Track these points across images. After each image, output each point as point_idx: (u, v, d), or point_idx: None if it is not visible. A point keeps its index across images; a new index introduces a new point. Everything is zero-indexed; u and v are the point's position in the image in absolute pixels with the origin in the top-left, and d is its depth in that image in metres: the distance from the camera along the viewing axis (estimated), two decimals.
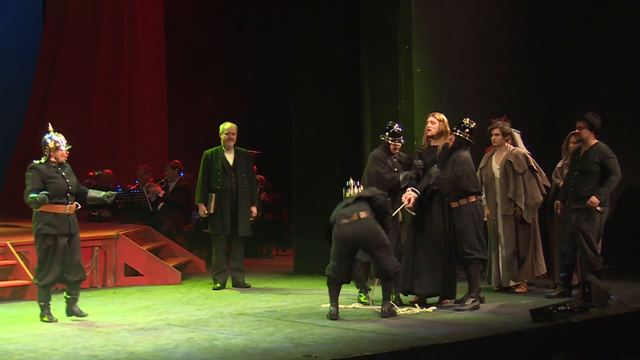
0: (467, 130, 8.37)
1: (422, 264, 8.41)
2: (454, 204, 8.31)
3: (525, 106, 10.85)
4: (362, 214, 7.93)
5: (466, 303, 8.23)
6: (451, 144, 8.39)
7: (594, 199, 8.52)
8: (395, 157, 8.80)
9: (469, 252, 8.24)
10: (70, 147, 8.24)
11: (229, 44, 13.72)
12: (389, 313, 7.92)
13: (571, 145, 9.17)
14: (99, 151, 14.75)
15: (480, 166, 9.28)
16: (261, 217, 12.36)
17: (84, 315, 8.19)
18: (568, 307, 7.70)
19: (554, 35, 11.31)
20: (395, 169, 8.74)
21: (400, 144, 8.78)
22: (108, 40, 14.91)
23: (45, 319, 8.08)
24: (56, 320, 8.08)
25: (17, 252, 9.51)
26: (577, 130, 8.79)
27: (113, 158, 14.68)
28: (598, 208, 8.57)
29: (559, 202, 9.02)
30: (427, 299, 8.52)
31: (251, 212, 10.10)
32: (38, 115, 14.69)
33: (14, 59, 15.16)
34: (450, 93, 10.42)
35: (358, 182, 8.42)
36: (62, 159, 8.19)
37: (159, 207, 12.61)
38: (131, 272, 10.55)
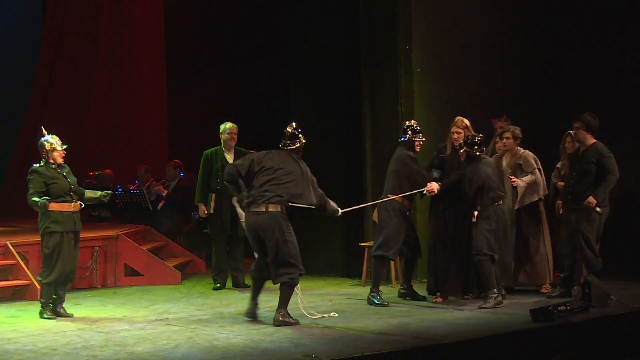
0: (476, 147, 8.57)
1: (443, 263, 8.71)
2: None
3: (524, 106, 10.85)
4: (271, 207, 7.74)
5: (488, 301, 8.31)
6: (463, 158, 8.65)
7: (590, 198, 8.51)
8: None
9: (475, 252, 8.39)
10: (66, 146, 8.34)
11: (229, 42, 13.70)
12: (281, 322, 7.66)
13: (567, 145, 9.18)
14: (99, 151, 14.76)
15: None
16: None
17: (69, 316, 8.26)
18: (568, 307, 7.70)
19: (555, 35, 11.31)
20: None
21: (423, 140, 8.83)
22: (108, 39, 14.92)
23: (45, 315, 8.18)
24: (55, 318, 8.15)
25: (17, 252, 9.51)
26: (573, 131, 8.79)
27: (113, 158, 14.68)
28: (597, 209, 8.56)
29: (559, 202, 9.02)
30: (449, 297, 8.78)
31: None
32: (38, 114, 14.70)
33: (14, 59, 15.16)
34: (450, 93, 10.42)
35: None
36: (60, 160, 8.32)
37: (159, 207, 12.62)
38: (131, 272, 10.55)
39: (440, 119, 9.96)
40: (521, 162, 9.15)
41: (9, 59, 15.03)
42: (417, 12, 10.27)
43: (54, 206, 8.14)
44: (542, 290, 9.14)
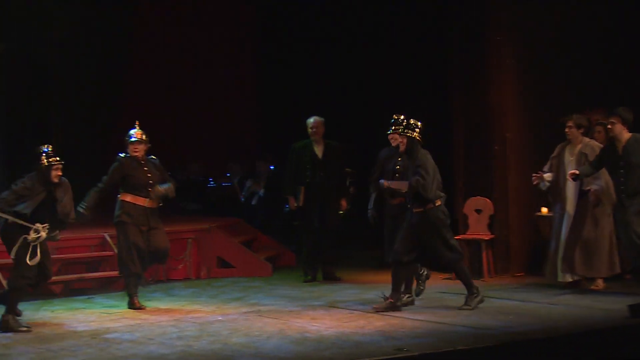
0: (418, 130, 8.11)
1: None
2: (418, 209, 8.01)
3: (616, 100, 10.55)
4: None
5: (470, 304, 8.01)
6: (403, 147, 8.11)
7: None
8: None
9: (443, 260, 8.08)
10: (143, 141, 8.46)
11: (322, 37, 13.63)
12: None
13: (595, 135, 8.95)
14: (191, 145, 14.95)
15: (552, 155, 9.18)
16: (351, 210, 12.35)
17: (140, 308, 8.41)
18: None
19: None
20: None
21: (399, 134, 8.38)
22: (196, 33, 14.97)
23: (134, 306, 8.39)
24: (144, 308, 8.35)
25: (114, 244, 9.75)
26: (609, 125, 8.57)
27: (205, 152, 14.86)
28: None
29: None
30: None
31: (341, 204, 10.12)
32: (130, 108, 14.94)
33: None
34: (539, 86, 10.21)
35: None
36: (134, 153, 8.49)
37: (253, 201, 12.76)
38: (223, 264, 10.70)
39: (532, 110, 9.80)
40: (587, 152, 8.94)
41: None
42: (509, 1, 10.11)
43: (128, 198, 8.32)
44: (592, 287, 8.93)
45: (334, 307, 8.31)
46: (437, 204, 7.98)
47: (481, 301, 8.06)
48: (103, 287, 9.63)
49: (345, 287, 9.54)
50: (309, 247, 10.09)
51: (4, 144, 12.28)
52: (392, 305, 7.98)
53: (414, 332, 7.05)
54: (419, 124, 8.11)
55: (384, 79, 11.29)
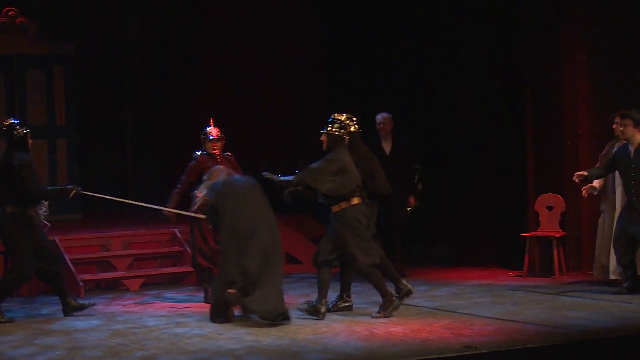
0: (337, 124, 7.78)
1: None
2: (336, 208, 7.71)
3: None
4: None
5: (384, 311, 7.64)
6: (325, 145, 7.78)
7: None
8: None
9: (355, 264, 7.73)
10: (221, 138, 8.57)
11: (392, 33, 13.50)
12: None
13: (614, 126, 8.75)
14: (260, 142, 15.01)
15: (601, 153, 9.07)
16: (418, 207, 12.28)
17: None
18: None
19: None
20: None
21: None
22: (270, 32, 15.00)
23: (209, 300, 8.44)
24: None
25: (184, 240, 9.88)
26: (621, 128, 8.52)
27: (273, 149, 14.91)
28: None
29: None
30: None
31: (409, 201, 10.08)
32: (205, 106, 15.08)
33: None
34: (613, 81, 10.00)
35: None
36: (212, 151, 8.66)
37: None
38: (291, 260, 10.74)
39: (604, 106, 9.62)
40: None
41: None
42: None
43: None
44: None
45: (402, 303, 8.26)
46: (353, 203, 7.65)
47: (397, 307, 7.65)
48: (174, 282, 9.77)
49: (413, 284, 9.43)
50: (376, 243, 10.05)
51: (77, 143, 12.54)
52: (315, 310, 7.61)
53: (483, 330, 6.98)
54: (343, 119, 7.75)
55: (454, 76, 11.19)
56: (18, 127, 7.90)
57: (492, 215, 10.66)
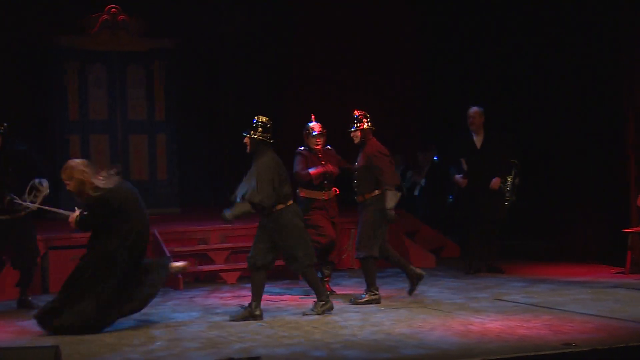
0: (261, 129, 7.64)
1: None
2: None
3: None
4: None
5: (316, 309, 7.62)
6: (249, 148, 7.69)
7: None
8: None
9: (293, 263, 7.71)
10: (323, 134, 8.61)
11: (489, 26, 13.32)
12: None
13: None
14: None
15: None
16: (516, 202, 12.09)
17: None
18: None
19: None
20: None
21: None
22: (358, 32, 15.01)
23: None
24: (334, 292, 8.62)
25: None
26: None
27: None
28: None
29: None
30: None
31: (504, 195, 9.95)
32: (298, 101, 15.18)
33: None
34: None
35: None
36: (316, 147, 8.69)
37: (415, 192, 12.73)
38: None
39: None
40: None
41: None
42: None
43: (304, 193, 8.50)
44: None
45: (499, 299, 8.16)
46: (288, 204, 7.57)
47: (330, 309, 7.63)
48: (269, 276, 9.85)
49: (510, 280, 9.34)
50: (474, 238, 9.96)
51: (176, 138, 12.77)
52: (250, 314, 7.55)
53: (584, 327, 6.82)
54: (262, 122, 7.68)
55: (552, 72, 10.99)
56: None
57: (593, 210, 10.47)
